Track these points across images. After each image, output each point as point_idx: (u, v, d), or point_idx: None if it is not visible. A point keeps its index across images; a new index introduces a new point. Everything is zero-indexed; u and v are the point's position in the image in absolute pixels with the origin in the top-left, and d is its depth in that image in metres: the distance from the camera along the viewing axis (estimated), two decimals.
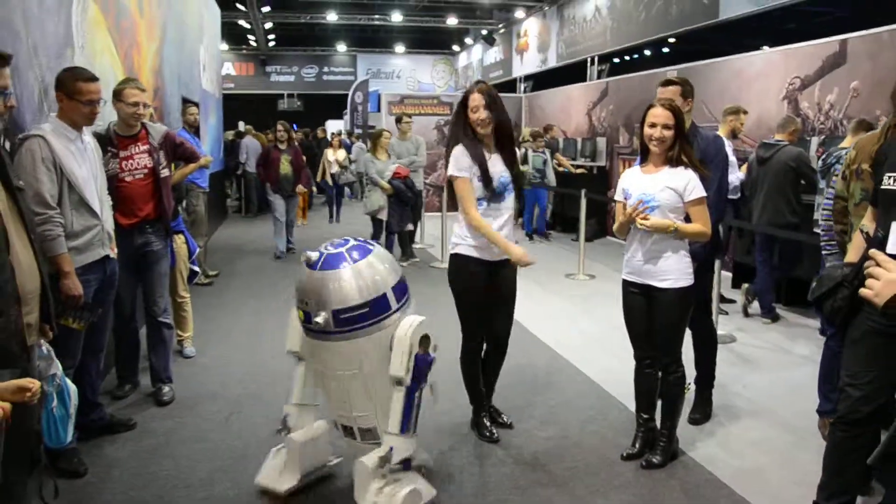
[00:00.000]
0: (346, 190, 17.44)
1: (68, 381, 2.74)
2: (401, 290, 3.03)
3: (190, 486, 3.33)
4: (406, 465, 3.02)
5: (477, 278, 3.72)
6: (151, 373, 4.47)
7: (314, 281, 2.91)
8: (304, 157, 10.25)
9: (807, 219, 6.15)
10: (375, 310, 2.91)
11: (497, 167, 3.72)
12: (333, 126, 22.17)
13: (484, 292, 3.76)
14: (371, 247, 3.04)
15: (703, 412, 4.15)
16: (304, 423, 3.32)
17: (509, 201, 3.76)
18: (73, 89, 3.39)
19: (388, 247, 8.49)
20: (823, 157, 5.55)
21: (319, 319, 2.86)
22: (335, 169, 13.25)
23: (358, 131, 18.86)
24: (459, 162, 3.67)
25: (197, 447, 3.76)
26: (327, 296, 2.87)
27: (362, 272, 2.92)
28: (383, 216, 8.31)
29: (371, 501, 2.90)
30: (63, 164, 3.29)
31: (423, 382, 3.01)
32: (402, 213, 8.40)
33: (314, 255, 2.95)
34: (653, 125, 3.41)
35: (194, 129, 7.79)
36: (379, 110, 15.82)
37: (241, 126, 17.35)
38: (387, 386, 2.99)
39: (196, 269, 5.90)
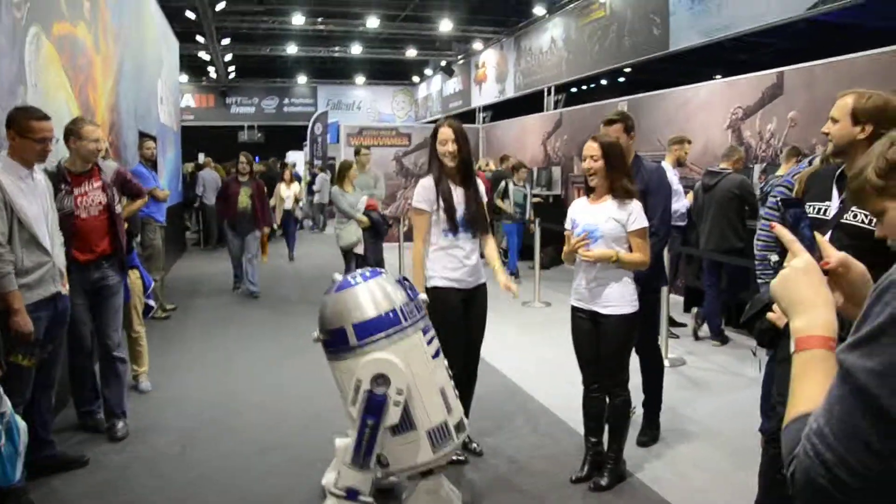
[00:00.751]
0: (308, 222, 17.48)
1: (17, 419, 2.76)
2: (369, 327, 3.01)
3: None
4: (350, 494, 3.01)
5: (456, 307, 3.86)
6: (105, 408, 4.45)
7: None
8: (266, 191, 9.50)
9: (752, 243, 6.35)
10: (335, 340, 3.06)
11: (461, 201, 3.88)
12: (294, 157, 22.21)
13: (463, 320, 3.90)
14: (365, 277, 3.15)
15: (651, 435, 4.27)
16: None
17: (470, 233, 3.92)
18: (24, 127, 3.43)
19: None
20: (762, 185, 5.79)
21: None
22: (289, 205, 12.65)
23: (318, 163, 18.91)
24: (422, 194, 3.87)
25: (151, 482, 3.76)
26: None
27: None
28: (360, 250, 7.94)
29: None
30: (13, 202, 3.32)
31: (373, 419, 2.97)
32: (376, 244, 8.07)
33: (338, 278, 3.17)
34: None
35: (151, 163, 7.80)
36: (338, 141, 15.92)
37: (201, 158, 17.30)
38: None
39: (151, 303, 5.89)
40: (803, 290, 1.16)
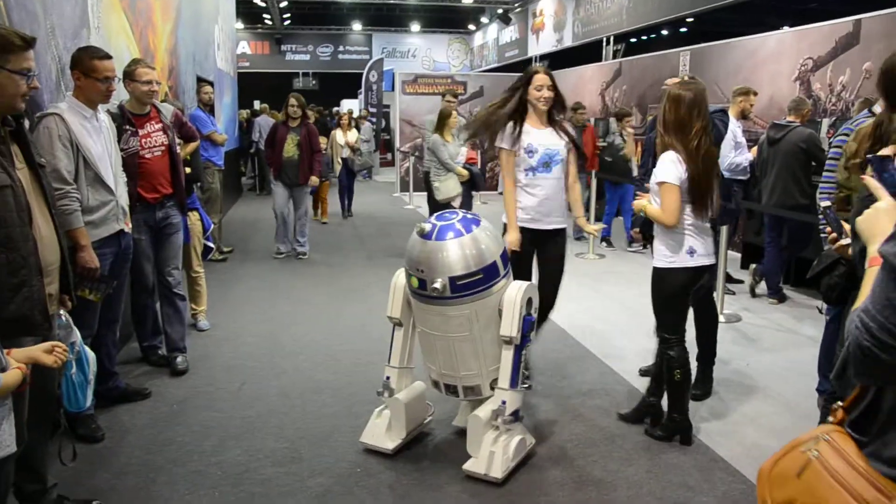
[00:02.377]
0: (364, 173, 17.38)
1: (87, 349, 2.87)
2: (505, 257, 3.30)
3: (202, 453, 3.46)
4: (516, 416, 3.27)
5: (523, 244, 4.04)
6: (167, 343, 4.62)
7: (429, 251, 3.15)
8: (322, 139, 8.85)
9: (816, 200, 6.16)
10: (488, 276, 3.17)
11: (544, 139, 4.03)
12: (348, 105, 22.21)
13: (531, 258, 4.11)
14: (477, 219, 3.30)
15: (703, 389, 4.23)
16: (404, 385, 3.58)
17: (556, 172, 4.06)
18: (88, 67, 3.48)
19: None
20: (831, 140, 5.55)
21: (437, 286, 3.10)
22: (346, 153, 11.55)
23: (373, 110, 18.87)
24: (504, 133, 4.07)
25: (209, 415, 3.90)
26: (443, 264, 3.12)
27: (472, 243, 3.16)
28: (457, 203, 7.45)
29: (487, 451, 3.18)
30: (79, 141, 3.39)
31: (528, 341, 3.28)
32: (470, 198, 7.68)
33: (427, 227, 3.19)
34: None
35: (209, 108, 7.90)
36: (393, 89, 15.84)
37: (257, 105, 17.43)
38: (494, 346, 3.27)
39: (210, 244, 6.02)
40: (883, 224, 1.36)
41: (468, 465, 3.23)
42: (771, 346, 5.18)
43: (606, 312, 6.06)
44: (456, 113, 7.68)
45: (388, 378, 3.53)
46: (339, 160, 11.45)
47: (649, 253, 4.47)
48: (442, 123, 7.45)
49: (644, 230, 4.25)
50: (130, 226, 3.83)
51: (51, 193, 2.72)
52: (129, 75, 4.14)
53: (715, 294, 4.63)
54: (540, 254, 4.15)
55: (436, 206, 7.43)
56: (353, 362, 4.77)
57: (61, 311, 2.73)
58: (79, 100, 3.50)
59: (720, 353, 4.33)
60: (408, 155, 14.08)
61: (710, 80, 8.57)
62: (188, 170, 4.94)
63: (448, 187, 7.41)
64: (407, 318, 3.53)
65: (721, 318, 5.15)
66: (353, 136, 11.65)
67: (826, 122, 7.04)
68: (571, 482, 3.22)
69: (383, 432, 3.48)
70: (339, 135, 11.51)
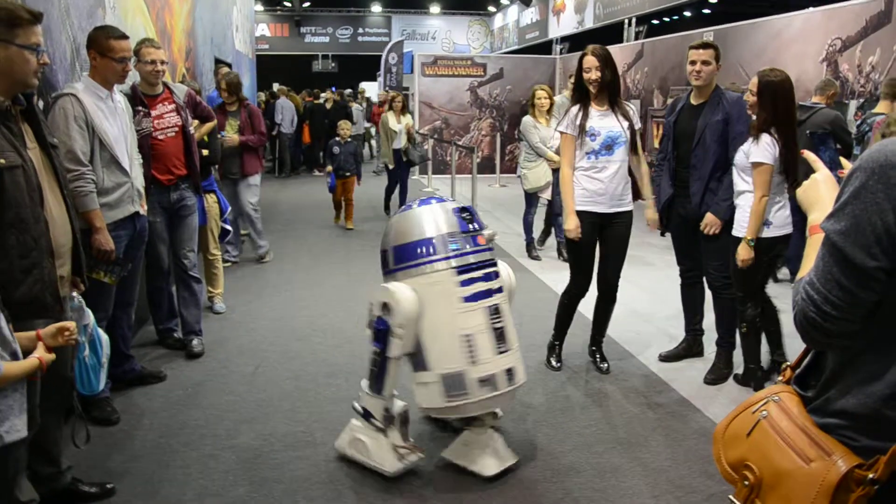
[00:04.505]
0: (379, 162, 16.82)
1: (100, 332, 2.85)
2: (403, 252, 2.99)
3: (217, 436, 3.45)
4: (366, 415, 3.16)
5: (586, 229, 4.07)
6: (182, 326, 4.62)
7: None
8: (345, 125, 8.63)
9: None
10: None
11: (605, 122, 4.02)
12: (368, 88, 22.11)
13: (594, 243, 4.15)
14: (442, 199, 3.12)
15: (719, 373, 4.17)
16: None
17: (618, 154, 4.05)
18: (105, 47, 3.45)
19: (546, 234, 7.69)
20: (859, 123, 5.43)
21: None
22: (402, 143, 9.34)
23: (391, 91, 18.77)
24: (566, 118, 4.11)
25: (224, 399, 3.89)
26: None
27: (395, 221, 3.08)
28: (547, 194, 6.86)
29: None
30: (94, 123, 3.37)
31: (378, 344, 3.05)
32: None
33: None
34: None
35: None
36: (412, 71, 15.74)
37: (276, 87, 17.41)
38: None
39: (228, 227, 6.01)
40: (821, 193, 1.49)
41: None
42: (792, 332, 5.08)
43: (626, 297, 5.95)
44: (547, 92, 6.92)
45: None
46: (391, 150, 9.42)
47: (668, 238, 4.43)
48: (533, 103, 6.85)
49: (663, 216, 4.22)
50: (146, 208, 3.81)
51: (63, 174, 2.70)
52: (135, 55, 4.10)
53: None
54: (602, 238, 4.17)
55: (528, 196, 6.98)
56: (368, 345, 4.72)
57: (74, 294, 2.71)
58: (95, 80, 3.47)
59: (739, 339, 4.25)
60: (427, 137, 14.01)
61: (733, 61, 8.40)
62: (205, 151, 4.92)
63: (536, 176, 6.79)
64: None
65: None
66: (408, 119, 9.69)
67: (854, 104, 6.88)
68: (590, 469, 3.18)
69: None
70: (391, 119, 9.41)
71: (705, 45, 4.04)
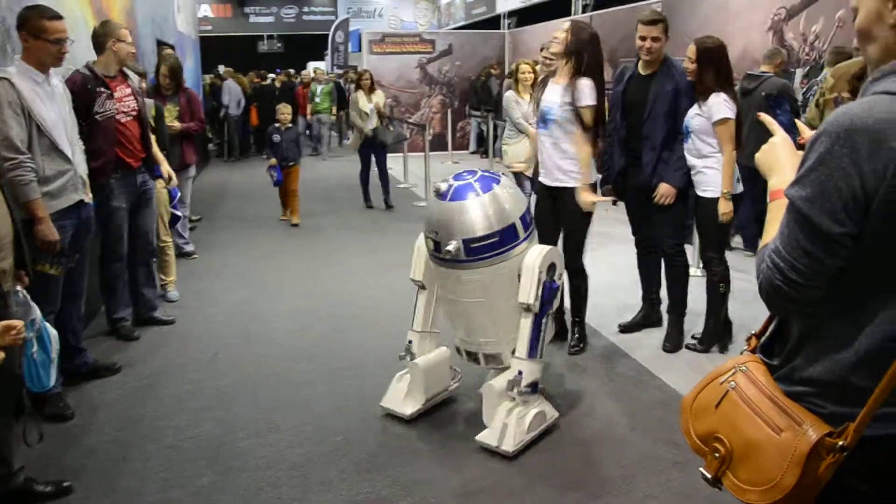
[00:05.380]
0: (345, 135, 16.60)
1: (48, 326, 2.74)
2: (526, 220, 3.11)
3: (176, 427, 3.37)
4: (534, 388, 3.13)
5: (540, 199, 4.15)
6: (144, 304, 4.67)
7: (444, 211, 3.00)
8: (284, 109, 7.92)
9: None
10: (504, 239, 3.00)
11: (547, 96, 4.00)
12: (316, 67, 21.73)
13: (548, 214, 4.10)
14: (497, 177, 3.11)
15: (675, 341, 4.23)
16: (427, 350, 3.47)
17: (551, 129, 3.98)
18: (38, 28, 3.29)
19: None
20: (804, 90, 5.51)
21: (451, 248, 2.95)
22: (373, 123, 8.64)
23: (339, 71, 18.51)
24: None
25: (182, 388, 3.80)
26: (459, 225, 2.95)
27: (490, 203, 2.98)
28: (529, 172, 6.17)
29: (500, 422, 3.05)
30: (31, 108, 3.22)
31: (549, 309, 3.13)
32: None
33: (443, 186, 3.04)
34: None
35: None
36: (360, 50, 15.53)
37: (221, 69, 17.00)
38: (512, 313, 3.11)
39: (178, 213, 5.86)
40: (780, 157, 1.47)
41: (481, 436, 3.11)
42: (746, 299, 5.17)
43: None
44: (531, 66, 6.53)
45: (410, 342, 3.44)
46: (364, 132, 8.67)
47: (619, 209, 4.49)
48: (516, 77, 6.54)
49: (617, 186, 4.24)
50: (91, 196, 3.68)
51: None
52: (113, 35, 4.09)
53: (687, 246, 4.62)
54: (558, 213, 4.11)
55: (515, 176, 6.48)
56: (329, 329, 4.68)
57: (18, 288, 2.60)
58: (28, 63, 3.32)
59: (693, 306, 4.30)
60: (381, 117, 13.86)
61: (680, 31, 8.45)
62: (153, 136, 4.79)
63: (515, 152, 6.45)
64: (430, 282, 3.41)
65: (697, 272, 5.11)
66: (380, 98, 8.93)
67: (800, 72, 6.99)
68: (554, 442, 3.18)
69: (402, 397, 3.39)
70: (362, 98, 8.68)
71: (654, 21, 4.00)
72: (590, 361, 4.08)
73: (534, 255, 3.06)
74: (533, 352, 3.09)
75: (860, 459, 1.26)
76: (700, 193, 3.95)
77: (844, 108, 1.26)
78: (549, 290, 3.08)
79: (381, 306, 5.11)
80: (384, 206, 8.79)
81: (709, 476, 1.41)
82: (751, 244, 6.38)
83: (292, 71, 18.39)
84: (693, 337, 4.24)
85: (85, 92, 3.90)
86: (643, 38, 3.98)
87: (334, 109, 14.25)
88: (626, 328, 4.52)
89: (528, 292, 3.04)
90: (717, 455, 1.39)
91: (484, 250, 2.97)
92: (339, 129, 16.93)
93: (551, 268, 3.11)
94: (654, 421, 3.38)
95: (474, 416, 3.31)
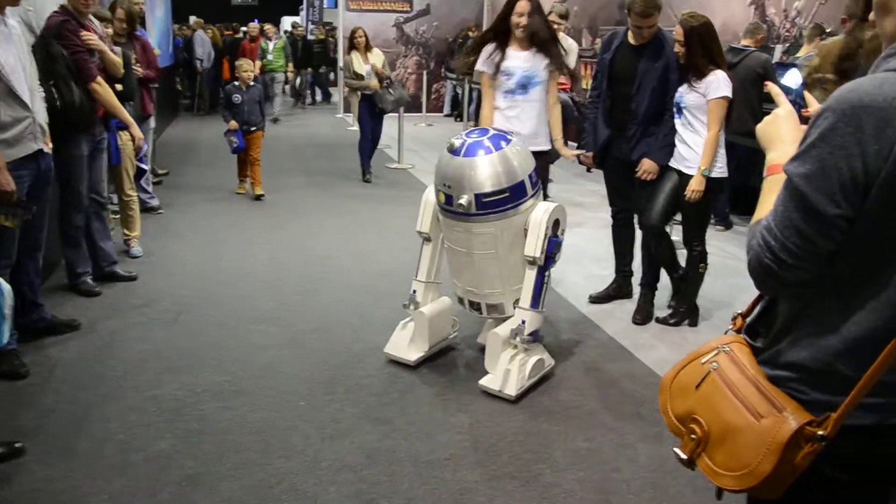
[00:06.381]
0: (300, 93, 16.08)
1: (1, 281, 2.62)
2: (533, 178, 3.28)
3: (137, 387, 3.28)
4: (535, 336, 3.32)
5: None
6: (103, 258, 4.54)
7: (457, 166, 3.14)
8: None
9: None
10: (514, 195, 3.17)
11: (521, 62, 4.04)
12: (290, 22, 21.25)
13: None
14: (508, 137, 3.28)
15: (645, 313, 4.23)
16: (430, 299, 3.60)
17: (534, 94, 4.07)
18: None
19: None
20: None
21: (463, 202, 3.11)
22: (370, 81, 7.71)
23: (312, 28, 18.10)
24: (483, 57, 4.13)
25: (144, 348, 3.70)
26: (470, 180, 3.11)
27: (500, 161, 3.14)
28: None
29: (503, 368, 3.24)
30: None
31: (552, 263, 3.31)
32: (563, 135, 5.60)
33: (457, 142, 3.17)
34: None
35: (139, 21, 7.35)
36: (336, 6, 15.18)
37: (192, 20, 16.52)
38: (517, 266, 3.31)
39: (144, 166, 5.70)
40: (782, 130, 1.40)
41: (484, 381, 3.30)
42: (716, 273, 5.19)
43: None
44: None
45: (414, 291, 3.56)
46: (358, 94, 8.00)
47: (592, 176, 4.46)
48: None
49: (599, 155, 4.19)
50: (50, 146, 3.52)
51: None
52: None
53: None
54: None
55: None
56: (294, 290, 4.60)
57: None
58: None
59: (664, 279, 4.30)
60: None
61: (664, 3, 8.35)
62: (119, 87, 4.61)
63: None
64: (436, 234, 3.55)
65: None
66: (377, 58, 7.93)
67: (779, 48, 6.95)
68: (521, 412, 3.16)
69: (406, 344, 3.53)
70: (356, 59, 7.83)
71: (649, 13, 3.84)
72: (560, 333, 4.06)
73: (540, 212, 3.24)
74: (536, 302, 3.28)
75: (839, 448, 1.24)
76: (685, 171, 3.89)
77: (853, 84, 1.20)
78: (553, 245, 3.26)
79: (348, 268, 5.04)
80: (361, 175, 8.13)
81: (683, 457, 1.38)
82: (722, 219, 6.40)
83: (236, 25, 17.75)
84: (670, 307, 4.27)
85: (75, 29, 3.91)
86: (639, 28, 3.90)
87: (290, 67, 13.38)
88: (596, 299, 4.51)
89: (535, 246, 3.22)
90: (693, 437, 1.36)
91: (495, 205, 3.15)
92: (296, 88, 16.24)
93: (556, 223, 3.28)
94: (622, 394, 3.37)
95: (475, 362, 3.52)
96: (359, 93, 7.87)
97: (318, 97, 16.96)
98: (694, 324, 4.17)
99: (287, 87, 14.49)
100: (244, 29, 15.31)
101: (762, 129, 1.45)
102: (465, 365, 3.63)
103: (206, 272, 4.89)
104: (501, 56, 4.06)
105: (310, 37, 17.14)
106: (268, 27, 13.48)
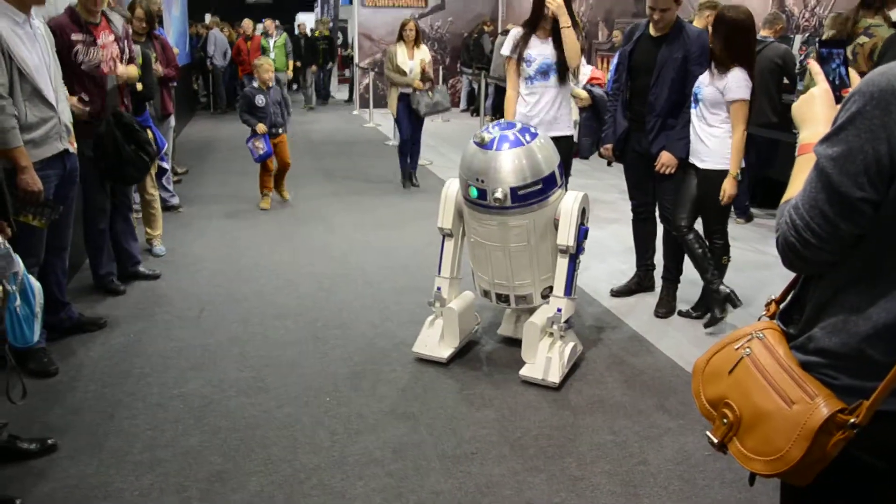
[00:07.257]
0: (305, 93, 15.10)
1: (32, 279, 2.65)
2: (560, 169, 3.37)
3: (163, 385, 3.32)
4: (569, 323, 3.40)
5: None
6: (128, 259, 4.57)
7: (489, 160, 3.17)
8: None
9: (786, 118, 6.07)
10: (546, 186, 3.24)
11: (542, 50, 4.14)
12: (305, 19, 21.27)
13: None
14: (535, 131, 3.34)
15: (668, 306, 4.21)
16: (454, 295, 3.63)
17: (553, 80, 4.17)
18: None
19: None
20: (802, 58, 5.42)
21: (499, 195, 3.14)
22: (412, 79, 7.14)
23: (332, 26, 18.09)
24: (508, 41, 4.26)
25: (169, 345, 3.73)
26: (506, 173, 3.15)
27: (532, 152, 3.21)
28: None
29: (544, 357, 3.30)
30: (12, 51, 3.07)
31: (582, 250, 3.41)
32: (593, 132, 5.37)
33: (487, 136, 3.20)
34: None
35: (158, 20, 7.40)
36: (351, 2, 15.20)
37: (207, 18, 16.61)
38: (547, 255, 3.38)
39: (165, 165, 5.73)
40: (816, 110, 1.40)
41: (525, 371, 3.34)
42: (737, 266, 5.16)
43: None
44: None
45: (438, 289, 3.57)
46: (398, 93, 7.28)
47: (613, 171, 4.45)
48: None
49: (617, 149, 4.18)
50: (76, 146, 3.55)
51: None
52: None
53: None
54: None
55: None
56: (316, 286, 4.62)
57: (0, 239, 2.50)
58: (8, 2, 3.16)
59: (686, 272, 4.27)
60: (367, 71, 13.61)
61: None
62: (139, 86, 4.65)
63: None
64: (457, 229, 3.58)
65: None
66: (425, 55, 7.32)
67: (798, 39, 6.89)
68: (547, 406, 3.16)
69: (437, 342, 3.53)
70: (401, 53, 7.18)
71: None
72: (582, 327, 4.05)
73: (570, 201, 3.32)
74: (569, 290, 3.36)
75: (875, 435, 1.23)
76: (699, 164, 3.83)
77: (883, 68, 1.20)
78: (582, 232, 3.35)
79: (368, 264, 5.06)
80: (405, 181, 7.60)
81: (715, 441, 1.39)
82: (742, 212, 6.35)
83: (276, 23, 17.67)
84: (683, 311, 4.20)
85: (67, 35, 3.78)
86: (653, 9, 3.89)
87: (291, 65, 12.95)
88: (618, 293, 4.49)
89: (567, 235, 3.29)
90: (725, 421, 1.37)
91: (529, 197, 3.20)
92: (299, 84, 15.27)
93: (583, 212, 3.37)
94: (646, 387, 3.36)
95: (497, 356, 3.44)
96: (398, 90, 7.29)
97: (314, 102, 15.31)
98: (735, 304, 3.96)
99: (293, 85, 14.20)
100: (259, 26, 15.30)
101: (797, 107, 1.45)
102: (487, 358, 3.64)
103: (226, 269, 4.92)
104: (525, 44, 4.16)
105: (313, 33, 16.77)
106: (267, 23, 13.21)
